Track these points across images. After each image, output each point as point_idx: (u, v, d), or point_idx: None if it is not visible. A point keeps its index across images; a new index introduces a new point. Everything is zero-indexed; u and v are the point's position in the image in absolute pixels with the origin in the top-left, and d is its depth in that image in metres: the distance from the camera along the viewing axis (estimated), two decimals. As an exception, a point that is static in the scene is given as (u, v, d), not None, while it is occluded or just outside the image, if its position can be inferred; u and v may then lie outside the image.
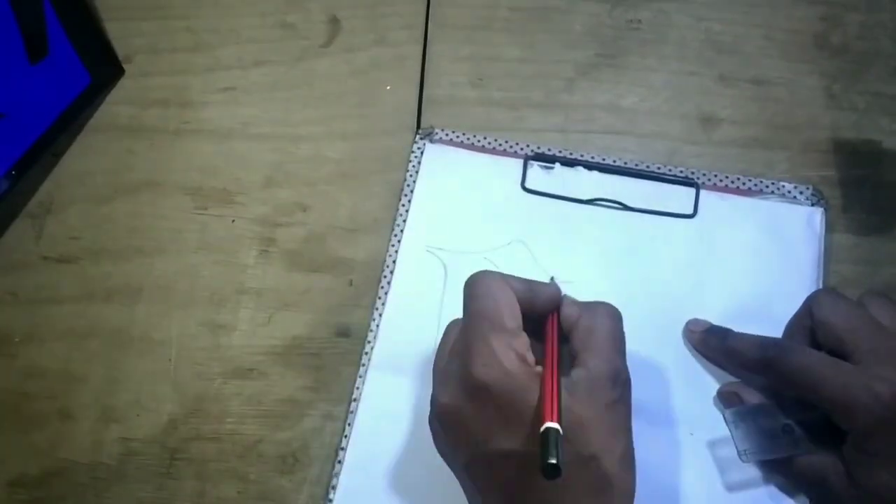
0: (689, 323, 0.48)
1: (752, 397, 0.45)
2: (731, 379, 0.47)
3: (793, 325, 0.47)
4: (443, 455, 0.43)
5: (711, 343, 0.47)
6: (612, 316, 0.42)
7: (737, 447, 0.45)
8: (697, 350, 0.48)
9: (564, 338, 0.43)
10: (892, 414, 0.40)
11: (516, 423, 0.38)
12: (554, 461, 0.35)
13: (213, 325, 0.51)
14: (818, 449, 0.43)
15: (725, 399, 0.47)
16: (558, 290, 0.44)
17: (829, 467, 0.42)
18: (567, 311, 0.43)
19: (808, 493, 0.45)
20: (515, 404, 0.38)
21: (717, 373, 0.48)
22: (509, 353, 0.39)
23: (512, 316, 0.41)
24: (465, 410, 0.39)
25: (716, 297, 0.49)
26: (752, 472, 0.45)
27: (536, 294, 0.43)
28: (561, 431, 0.36)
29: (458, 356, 0.40)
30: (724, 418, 0.45)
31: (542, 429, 0.36)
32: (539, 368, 0.39)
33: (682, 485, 0.45)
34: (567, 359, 0.41)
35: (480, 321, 0.40)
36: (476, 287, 0.42)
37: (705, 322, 0.48)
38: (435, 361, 0.44)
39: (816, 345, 0.44)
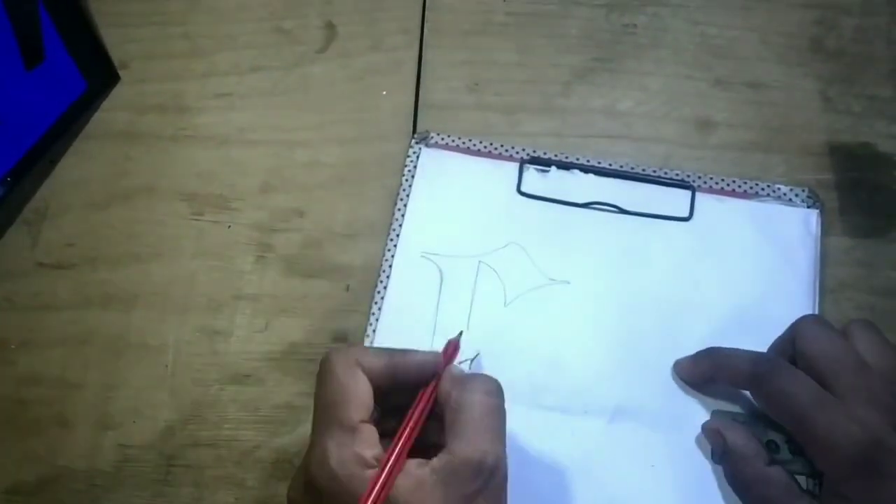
0: (676, 362, 0.47)
1: (737, 437, 0.44)
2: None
3: (776, 348, 0.45)
4: None
5: (701, 362, 0.46)
6: (489, 392, 0.39)
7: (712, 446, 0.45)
8: (687, 380, 0.47)
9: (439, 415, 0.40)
10: (867, 457, 0.39)
11: None
12: None
13: (209, 331, 0.51)
14: (800, 472, 0.43)
15: (709, 434, 0.45)
16: (433, 358, 0.41)
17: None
18: (444, 386, 0.40)
19: None
20: None
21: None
22: (343, 452, 0.37)
23: (357, 406, 0.38)
24: None
25: (713, 300, 0.49)
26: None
27: (401, 369, 0.40)
28: None
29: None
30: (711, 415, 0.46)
31: None
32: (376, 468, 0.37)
33: (683, 486, 0.45)
34: (437, 437, 0.39)
35: (322, 412, 0.39)
36: (324, 372, 0.39)
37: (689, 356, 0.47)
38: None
39: None
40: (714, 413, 0.46)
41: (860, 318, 0.44)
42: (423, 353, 0.41)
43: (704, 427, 0.45)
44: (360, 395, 0.39)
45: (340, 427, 0.38)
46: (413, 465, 0.37)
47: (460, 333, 0.44)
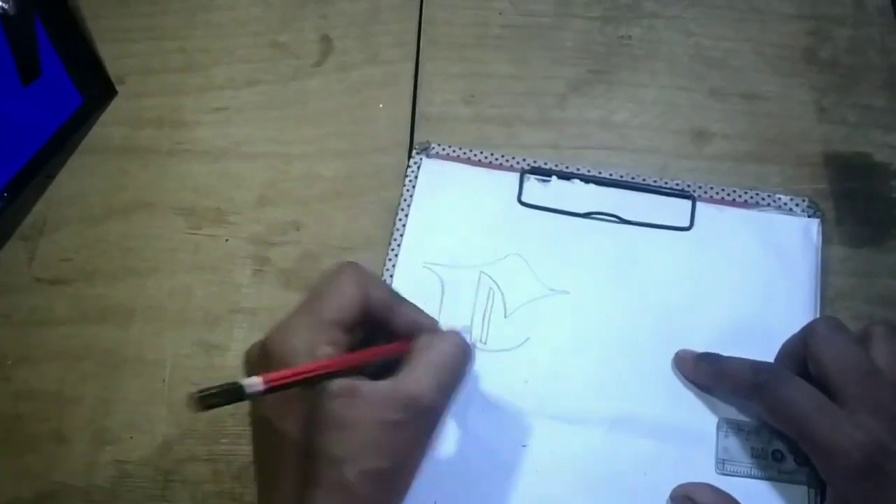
0: (678, 353, 0.48)
1: (706, 496, 0.43)
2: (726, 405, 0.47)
3: (787, 349, 0.46)
4: None
5: (703, 368, 0.46)
6: (453, 344, 0.40)
7: (716, 455, 0.45)
8: (689, 379, 0.47)
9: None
10: (870, 463, 0.39)
11: None
12: (201, 393, 0.33)
13: (207, 345, 0.51)
14: (805, 483, 0.44)
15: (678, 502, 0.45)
16: (427, 321, 0.43)
17: None
18: (419, 338, 0.41)
19: None
20: None
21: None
22: (304, 334, 0.38)
23: (338, 308, 0.40)
24: (251, 364, 0.40)
25: (714, 309, 0.49)
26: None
27: (397, 312, 0.42)
28: (247, 389, 0.35)
29: None
30: (717, 424, 0.46)
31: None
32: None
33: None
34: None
35: (306, 298, 0.40)
36: (332, 270, 0.41)
37: (694, 351, 0.47)
38: None
39: (807, 374, 0.43)
40: (720, 419, 0.46)
41: (882, 321, 0.44)
42: (421, 312, 0.43)
43: (672, 498, 0.45)
44: (347, 302, 0.40)
45: (316, 315, 0.39)
46: (357, 378, 0.38)
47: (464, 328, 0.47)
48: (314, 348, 0.38)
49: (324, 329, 0.39)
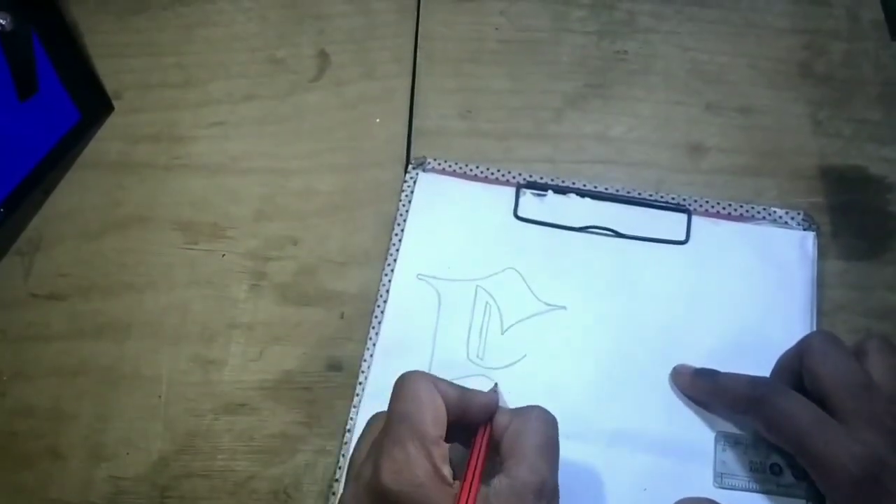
0: (675, 368, 0.48)
1: None
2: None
3: (783, 363, 0.46)
4: None
5: (700, 384, 0.46)
6: (545, 421, 0.40)
7: (714, 468, 0.45)
8: (686, 394, 0.47)
9: (495, 448, 0.40)
10: (870, 477, 0.39)
11: None
12: None
13: (203, 361, 0.51)
14: (803, 497, 0.44)
15: None
16: (494, 398, 0.42)
17: None
18: (499, 420, 0.41)
19: None
20: None
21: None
22: (424, 462, 0.37)
23: (435, 423, 0.38)
24: None
25: (710, 323, 0.49)
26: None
27: (469, 403, 0.41)
28: None
29: (372, 456, 0.38)
30: (715, 438, 0.46)
31: None
32: (455, 483, 0.37)
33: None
34: (496, 469, 0.39)
35: (401, 423, 0.38)
36: (403, 387, 0.39)
37: (691, 366, 0.47)
38: (352, 456, 0.41)
39: (803, 388, 0.43)
40: (718, 433, 0.46)
41: (878, 334, 0.44)
42: (485, 393, 0.42)
43: None
44: (438, 412, 0.39)
45: (422, 437, 0.37)
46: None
47: (496, 385, 0.45)
48: (440, 472, 0.37)
49: (434, 450, 0.37)
